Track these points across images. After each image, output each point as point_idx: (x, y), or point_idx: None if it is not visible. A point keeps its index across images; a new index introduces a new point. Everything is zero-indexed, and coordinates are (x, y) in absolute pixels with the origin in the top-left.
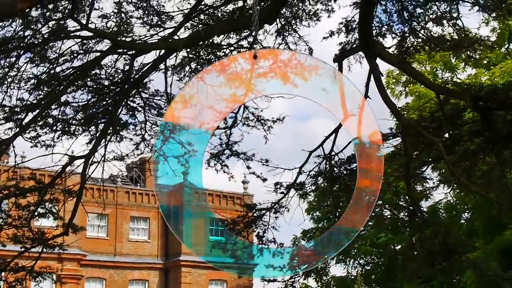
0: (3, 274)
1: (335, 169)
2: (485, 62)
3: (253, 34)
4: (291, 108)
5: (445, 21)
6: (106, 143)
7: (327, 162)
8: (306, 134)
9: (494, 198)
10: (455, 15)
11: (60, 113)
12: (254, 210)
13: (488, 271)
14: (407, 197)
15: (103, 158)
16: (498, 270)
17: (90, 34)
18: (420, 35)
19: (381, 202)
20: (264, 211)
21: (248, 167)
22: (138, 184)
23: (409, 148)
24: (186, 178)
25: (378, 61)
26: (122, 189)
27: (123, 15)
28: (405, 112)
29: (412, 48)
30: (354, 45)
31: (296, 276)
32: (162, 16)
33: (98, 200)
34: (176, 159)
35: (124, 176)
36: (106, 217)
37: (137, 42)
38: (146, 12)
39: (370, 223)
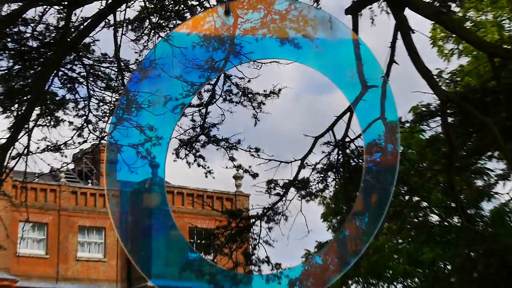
0: None
1: (351, 160)
2: None
3: None
4: (304, 76)
5: None
6: (31, 128)
7: (340, 152)
8: (324, 111)
9: None
10: None
11: None
12: (239, 219)
13: None
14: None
15: (26, 149)
16: None
17: None
18: None
19: (426, 204)
20: (254, 220)
21: (232, 159)
22: (90, 181)
23: (451, 131)
24: (155, 173)
25: (408, 12)
26: (67, 188)
27: None
28: (458, 79)
29: None
30: None
31: None
32: None
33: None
34: (133, 148)
35: (69, 170)
36: (44, 228)
37: None
38: None
39: (411, 233)
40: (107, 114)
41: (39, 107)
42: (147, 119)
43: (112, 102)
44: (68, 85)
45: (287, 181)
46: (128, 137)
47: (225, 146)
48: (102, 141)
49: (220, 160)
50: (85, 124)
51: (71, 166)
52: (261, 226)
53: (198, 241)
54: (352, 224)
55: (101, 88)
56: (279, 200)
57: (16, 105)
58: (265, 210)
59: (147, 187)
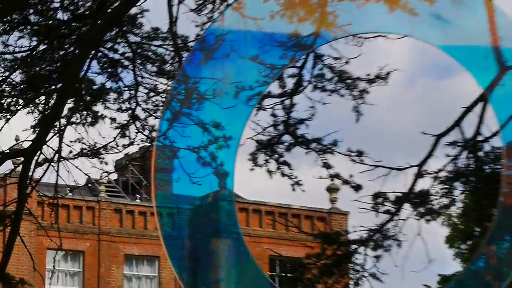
0: None
1: (485, 166)
2: None
3: None
4: (420, 55)
5: None
6: (62, 126)
7: (470, 155)
8: (448, 101)
9: None
10: None
11: None
12: (336, 244)
13: None
14: None
15: (57, 154)
16: None
17: None
18: None
19: None
20: (356, 246)
21: (326, 165)
22: (138, 196)
23: None
24: (223, 185)
25: None
26: (108, 204)
27: None
28: None
29: None
30: None
31: None
32: None
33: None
34: (193, 152)
35: (111, 181)
36: (80, 257)
37: None
38: None
39: None
40: (160, 108)
41: (72, 99)
42: (212, 113)
43: (166, 92)
44: (109, 70)
45: (400, 194)
46: (186, 138)
47: (316, 149)
48: (154, 143)
49: (310, 168)
50: (131, 120)
51: (114, 176)
52: (365, 254)
53: (282, 274)
54: (488, 251)
55: (152, 73)
56: (389, 220)
57: (43, 97)
58: (371, 233)
59: (212, 203)
